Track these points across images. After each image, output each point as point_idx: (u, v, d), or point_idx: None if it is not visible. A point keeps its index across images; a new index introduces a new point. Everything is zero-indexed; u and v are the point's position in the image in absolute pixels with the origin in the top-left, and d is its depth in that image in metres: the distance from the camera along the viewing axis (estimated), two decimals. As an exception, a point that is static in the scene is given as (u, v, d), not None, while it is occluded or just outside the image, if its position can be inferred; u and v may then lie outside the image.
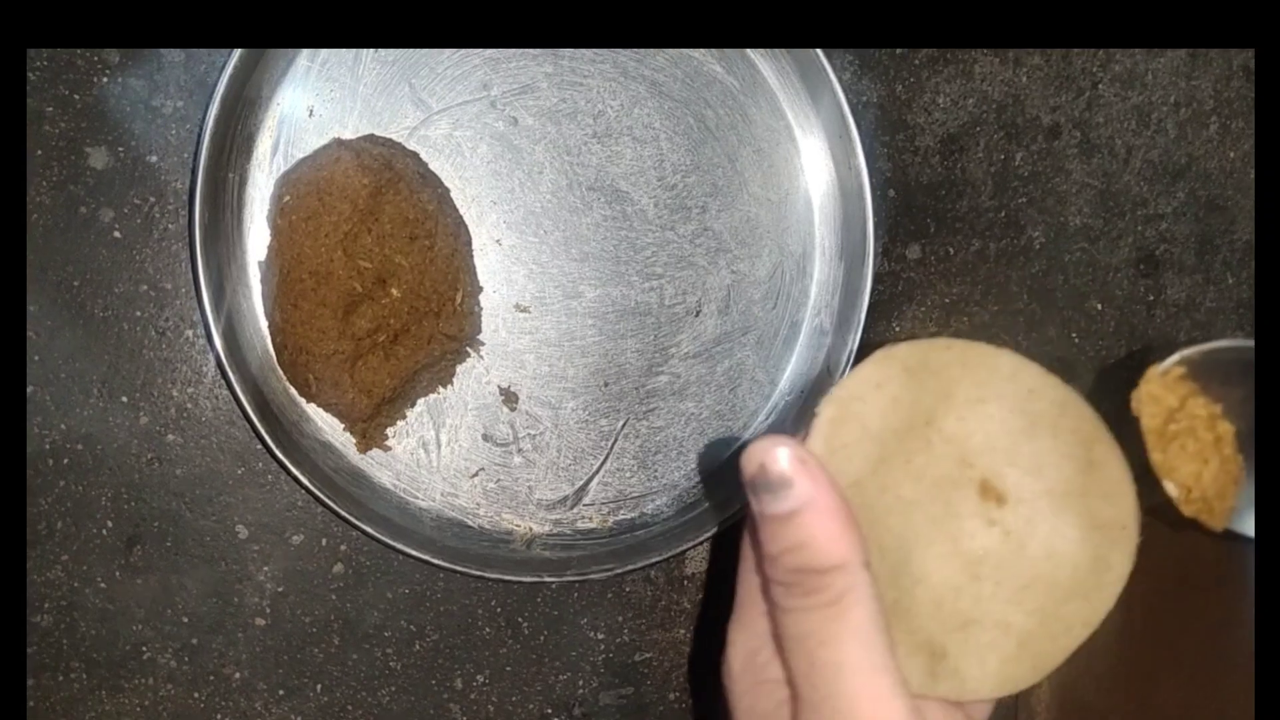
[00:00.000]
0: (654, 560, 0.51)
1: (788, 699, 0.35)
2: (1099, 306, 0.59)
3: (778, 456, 0.32)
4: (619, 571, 0.51)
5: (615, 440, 0.53)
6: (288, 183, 0.47)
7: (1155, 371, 0.48)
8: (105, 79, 0.49)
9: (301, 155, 0.48)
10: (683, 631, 0.55)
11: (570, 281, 0.52)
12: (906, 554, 0.36)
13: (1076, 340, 0.59)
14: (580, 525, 0.53)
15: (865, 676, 0.31)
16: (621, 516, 0.53)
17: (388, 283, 0.47)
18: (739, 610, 0.39)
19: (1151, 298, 0.59)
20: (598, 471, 0.53)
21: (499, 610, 0.53)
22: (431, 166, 0.49)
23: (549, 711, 0.54)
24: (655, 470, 0.54)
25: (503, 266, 0.51)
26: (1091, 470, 0.36)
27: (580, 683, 0.55)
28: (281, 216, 0.47)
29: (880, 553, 0.35)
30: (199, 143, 0.46)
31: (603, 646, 0.55)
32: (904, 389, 0.35)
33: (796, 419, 0.54)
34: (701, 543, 0.52)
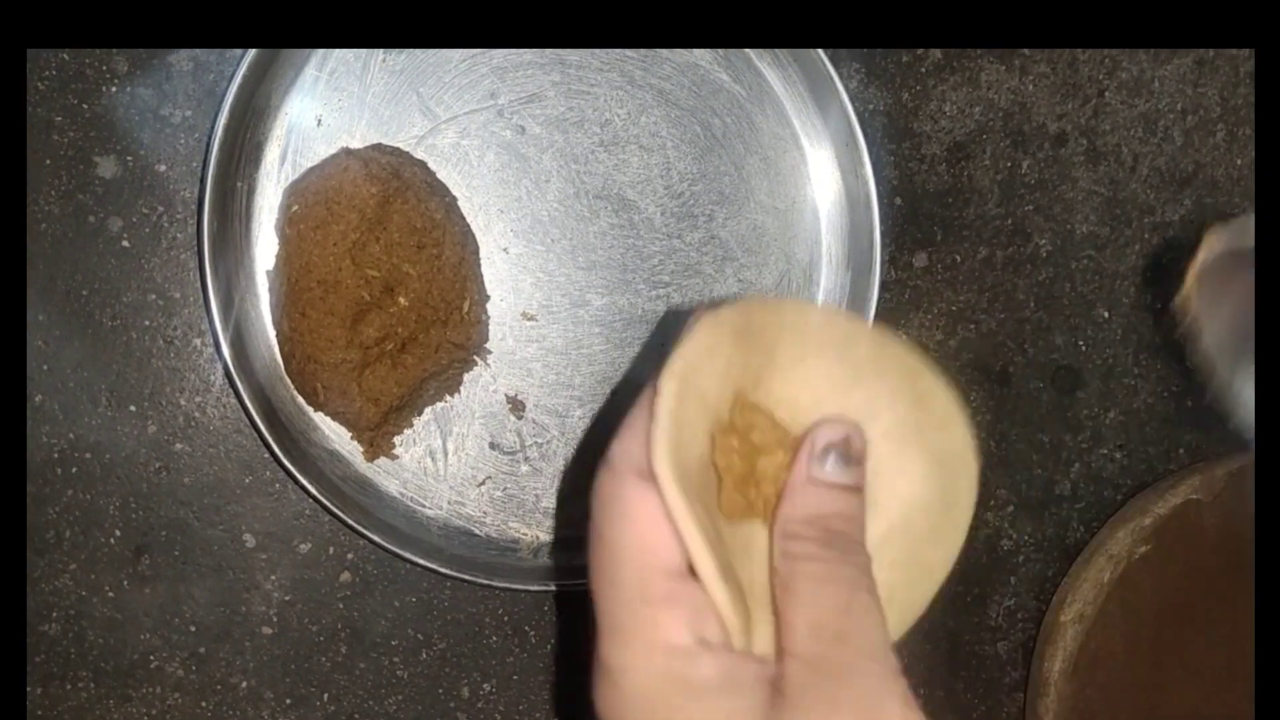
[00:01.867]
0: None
1: (764, 676, 0.31)
2: (1106, 314, 0.59)
3: (859, 435, 0.34)
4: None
5: (622, 448, 0.53)
6: (296, 192, 0.47)
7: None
8: (114, 88, 0.49)
9: (309, 164, 0.48)
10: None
11: (577, 290, 0.52)
12: (757, 526, 0.34)
13: (1083, 348, 0.59)
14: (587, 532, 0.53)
15: (881, 658, 0.31)
16: (628, 525, 0.53)
17: (395, 291, 0.47)
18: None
19: (1159, 305, 0.59)
20: (605, 480, 0.53)
21: (506, 619, 0.53)
22: (439, 175, 0.49)
23: (556, 720, 0.54)
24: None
25: (510, 275, 0.51)
26: (921, 404, 0.36)
27: (588, 693, 0.54)
28: (290, 225, 0.47)
29: (732, 527, 0.34)
30: (207, 152, 0.46)
31: (610, 655, 0.54)
32: (734, 353, 0.33)
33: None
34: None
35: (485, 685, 0.53)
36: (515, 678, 0.54)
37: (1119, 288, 0.59)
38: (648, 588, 0.30)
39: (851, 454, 0.34)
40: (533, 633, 0.54)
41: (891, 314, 0.56)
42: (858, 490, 0.34)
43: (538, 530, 0.53)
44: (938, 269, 0.57)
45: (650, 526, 0.30)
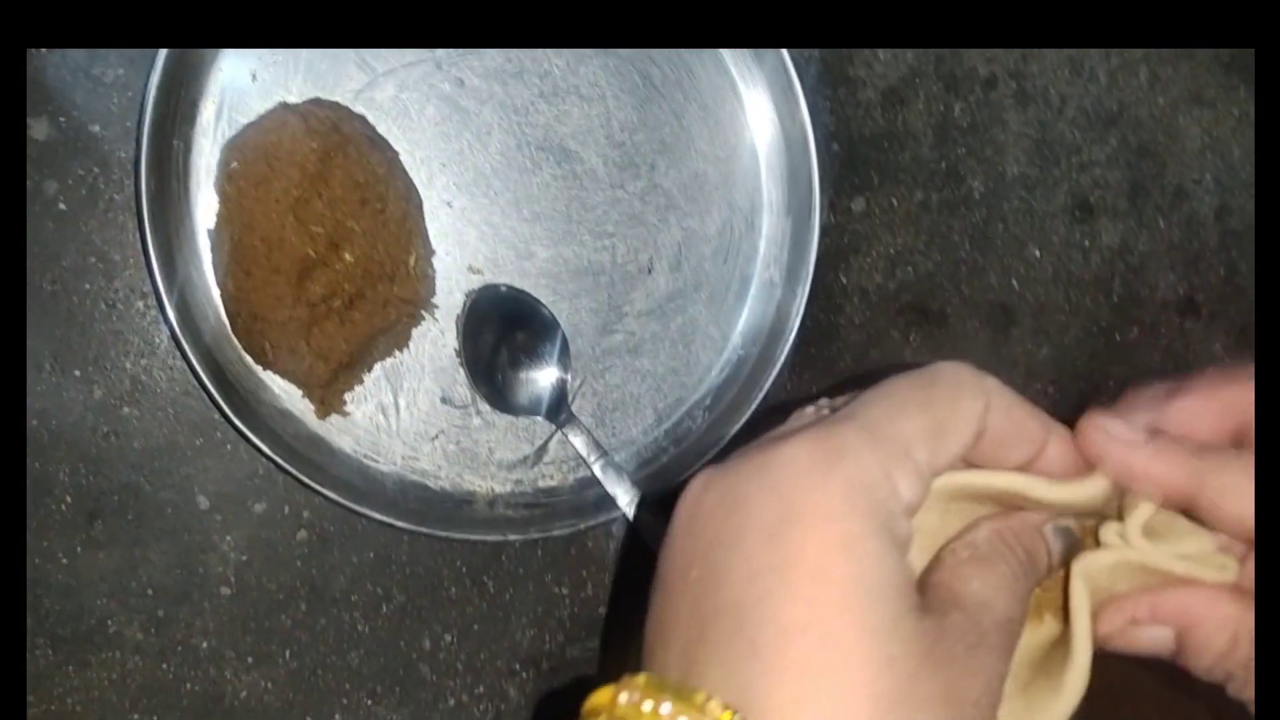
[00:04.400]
0: (615, 515, 0.52)
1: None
2: (1037, 253, 0.61)
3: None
4: (581, 527, 0.52)
5: (573, 399, 0.54)
6: (234, 148, 0.47)
7: None
8: (44, 49, 0.48)
9: (246, 120, 0.48)
10: (646, 583, 0.56)
11: (522, 242, 0.53)
12: None
13: (1016, 287, 0.61)
14: (541, 484, 0.54)
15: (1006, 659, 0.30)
16: (582, 473, 0.54)
17: (340, 247, 0.48)
18: None
19: (1087, 243, 0.61)
20: (557, 430, 0.54)
21: (464, 570, 0.54)
22: (379, 129, 0.49)
23: (517, 667, 0.55)
24: (614, 427, 0.55)
25: (454, 229, 0.52)
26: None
27: (547, 638, 0.56)
28: (229, 183, 0.46)
29: None
30: (142, 110, 0.46)
31: (568, 601, 0.56)
32: None
33: (751, 374, 0.55)
34: (662, 496, 0.53)
35: (446, 636, 0.54)
36: (476, 627, 0.54)
37: (1049, 226, 0.61)
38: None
39: (1069, 545, 0.33)
40: (491, 582, 0.55)
41: (832, 258, 0.58)
42: (1049, 567, 0.32)
43: (492, 482, 0.53)
44: (875, 213, 0.58)
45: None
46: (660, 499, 0.53)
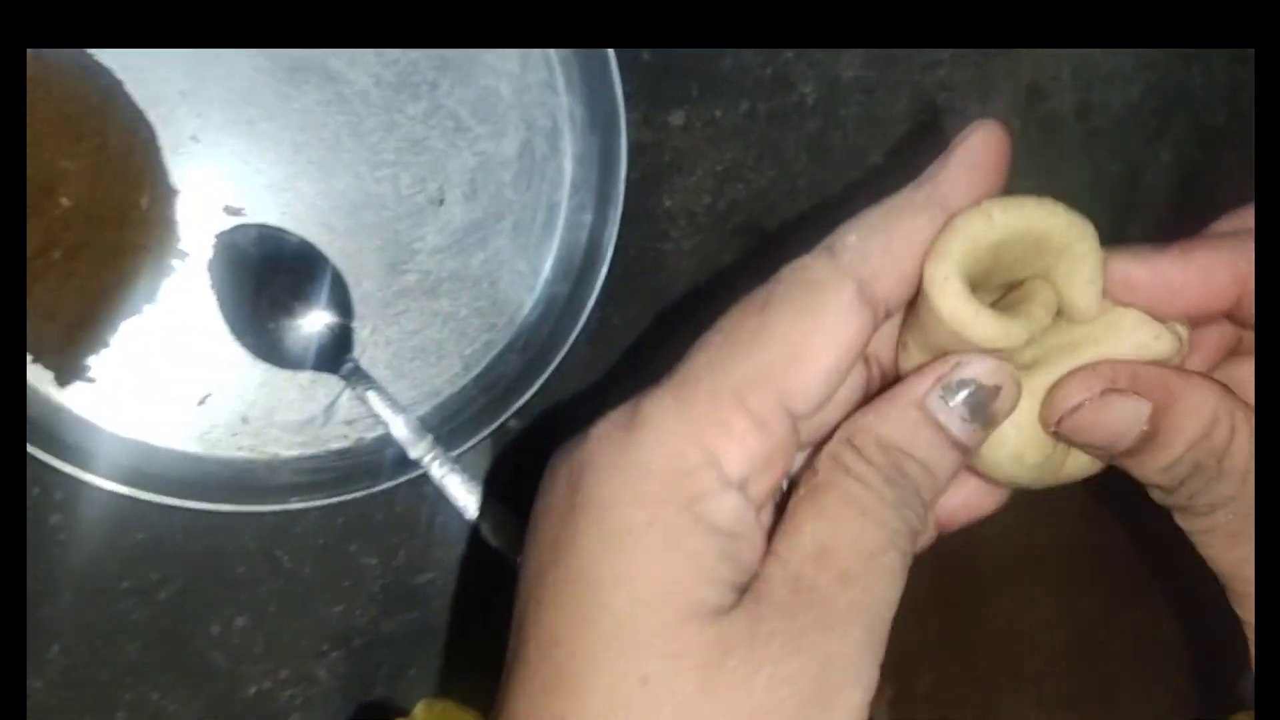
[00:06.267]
0: (418, 473, 0.48)
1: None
2: (881, 161, 0.56)
3: (1013, 394, 0.26)
4: (377, 489, 0.47)
5: (362, 349, 0.49)
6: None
7: None
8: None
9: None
10: (465, 547, 0.52)
11: (284, 177, 0.47)
12: None
13: (864, 201, 0.56)
14: (334, 445, 0.49)
15: (871, 627, 0.24)
16: (380, 431, 0.49)
17: (55, 191, 0.42)
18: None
19: (934, 148, 0.56)
20: (348, 385, 0.48)
21: (253, 546, 0.49)
22: (92, 53, 0.43)
23: (325, 647, 0.50)
24: (414, 378, 0.50)
25: (204, 166, 0.46)
26: None
27: (358, 612, 0.51)
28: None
29: None
30: None
31: (378, 571, 0.51)
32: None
33: (566, 310, 0.50)
34: (472, 448, 0.48)
35: (238, 619, 0.49)
36: (271, 608, 0.49)
37: (894, 132, 0.56)
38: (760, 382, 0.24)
39: (989, 411, 0.25)
40: (286, 557, 0.50)
41: (652, 179, 0.53)
42: (963, 453, 0.25)
43: (276, 447, 0.48)
44: (697, 126, 0.53)
45: (819, 344, 0.24)
46: (472, 454, 0.49)
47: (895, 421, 0.25)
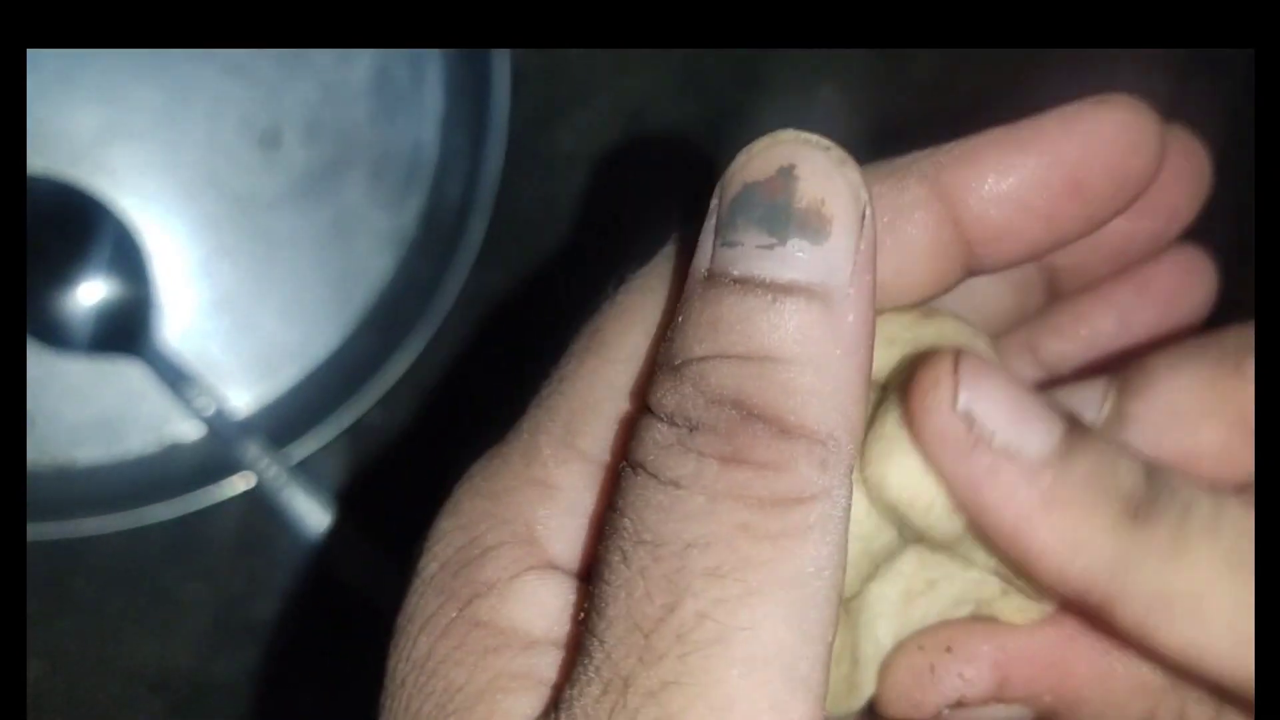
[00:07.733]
0: (250, 484, 0.38)
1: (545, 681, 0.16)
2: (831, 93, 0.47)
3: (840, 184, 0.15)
4: (200, 505, 0.38)
5: (175, 328, 0.39)
6: None
7: None
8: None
9: None
10: (312, 572, 0.42)
11: (63, 115, 0.37)
12: None
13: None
14: (140, 449, 0.39)
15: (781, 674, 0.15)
16: (200, 432, 0.39)
17: None
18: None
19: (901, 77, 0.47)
20: (154, 373, 0.39)
21: (42, 574, 0.39)
22: None
23: (144, 693, 0.41)
24: (243, 364, 0.40)
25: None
26: None
27: (181, 653, 0.41)
28: None
29: None
30: None
31: (206, 604, 0.41)
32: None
33: (436, 272, 0.41)
34: (319, 451, 0.39)
35: (34, 663, 0.40)
36: (71, 651, 0.40)
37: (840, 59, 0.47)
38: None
39: (805, 213, 0.15)
40: (88, 588, 0.40)
41: (543, 113, 0.43)
42: (817, 296, 0.15)
43: (55, 454, 0.38)
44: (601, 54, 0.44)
45: None
46: (320, 457, 0.39)
47: (692, 327, 0.17)
